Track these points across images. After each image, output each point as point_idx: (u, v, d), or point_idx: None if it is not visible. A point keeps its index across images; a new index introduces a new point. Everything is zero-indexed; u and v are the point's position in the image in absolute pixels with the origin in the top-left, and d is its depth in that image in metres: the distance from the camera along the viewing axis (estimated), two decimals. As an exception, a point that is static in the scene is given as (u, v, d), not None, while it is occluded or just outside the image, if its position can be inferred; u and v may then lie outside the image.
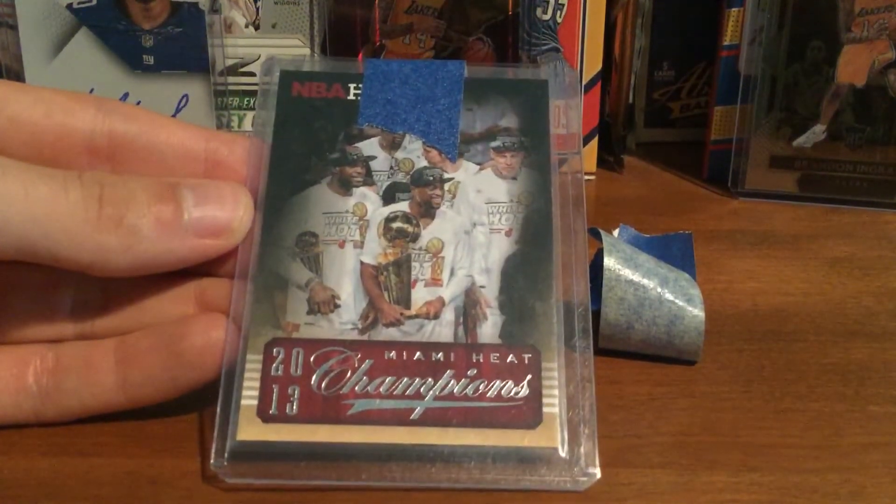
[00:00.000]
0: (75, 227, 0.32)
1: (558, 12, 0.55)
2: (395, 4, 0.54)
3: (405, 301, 0.36)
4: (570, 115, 0.41)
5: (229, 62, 0.54)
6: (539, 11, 0.55)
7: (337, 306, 0.36)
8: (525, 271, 0.36)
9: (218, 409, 0.33)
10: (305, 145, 0.39)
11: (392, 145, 0.39)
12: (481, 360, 0.34)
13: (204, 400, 0.35)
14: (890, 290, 0.46)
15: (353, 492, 0.33)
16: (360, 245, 0.37)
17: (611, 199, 0.57)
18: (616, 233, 0.44)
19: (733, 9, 0.55)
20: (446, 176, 0.39)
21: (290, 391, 0.34)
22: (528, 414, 0.33)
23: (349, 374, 0.34)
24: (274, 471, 0.33)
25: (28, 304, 0.36)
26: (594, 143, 0.59)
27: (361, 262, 0.37)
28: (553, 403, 0.34)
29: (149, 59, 0.53)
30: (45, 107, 0.35)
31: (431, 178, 0.38)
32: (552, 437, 0.33)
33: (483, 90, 0.40)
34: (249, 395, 0.34)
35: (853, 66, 0.54)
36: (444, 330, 0.35)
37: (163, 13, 0.52)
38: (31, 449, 0.35)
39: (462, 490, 0.33)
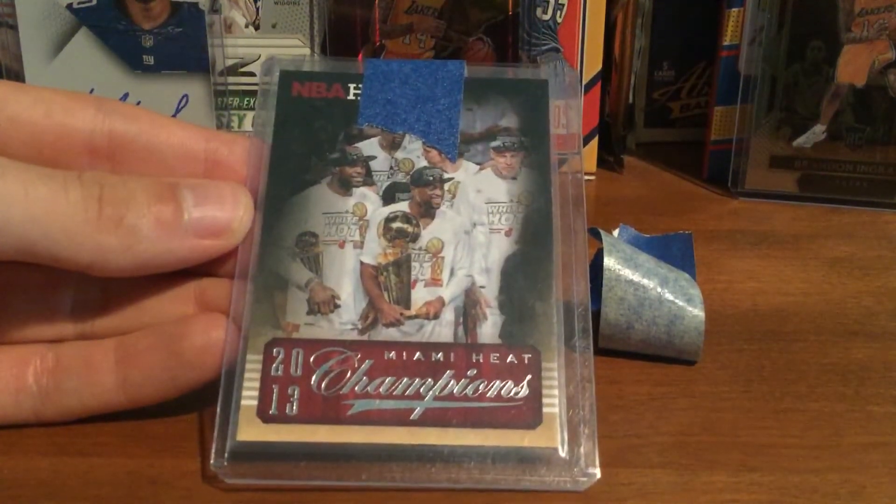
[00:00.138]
0: (75, 227, 0.32)
1: (558, 12, 0.55)
2: (395, 4, 0.54)
3: (405, 301, 0.36)
4: (570, 115, 0.41)
5: (229, 62, 0.54)
6: (539, 11, 0.55)
7: (337, 306, 0.36)
8: (525, 271, 0.36)
9: (218, 410, 0.33)
10: (305, 145, 0.39)
11: (392, 145, 0.39)
12: (481, 361, 0.34)
13: (204, 400, 0.35)
14: (890, 290, 0.46)
15: (353, 492, 0.33)
16: (359, 245, 0.37)
17: (611, 199, 0.57)
18: (616, 233, 0.44)
19: (733, 9, 0.55)
20: (446, 176, 0.39)
21: (289, 391, 0.34)
22: (528, 414, 0.33)
23: (349, 375, 0.34)
24: (274, 471, 0.33)
25: (28, 304, 0.36)
26: (594, 143, 0.59)
27: (361, 263, 0.37)
28: (553, 403, 0.34)
29: (149, 59, 0.53)
30: (45, 107, 0.35)
31: (431, 178, 0.38)
32: (552, 437, 0.33)
33: (483, 90, 0.40)
34: (249, 396, 0.34)
35: (853, 66, 0.54)
36: (443, 330, 0.35)
37: (163, 13, 0.52)
38: (31, 449, 0.35)
39: (462, 490, 0.33)
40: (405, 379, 0.34)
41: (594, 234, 0.41)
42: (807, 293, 0.46)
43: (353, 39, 0.54)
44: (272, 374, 0.34)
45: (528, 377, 0.34)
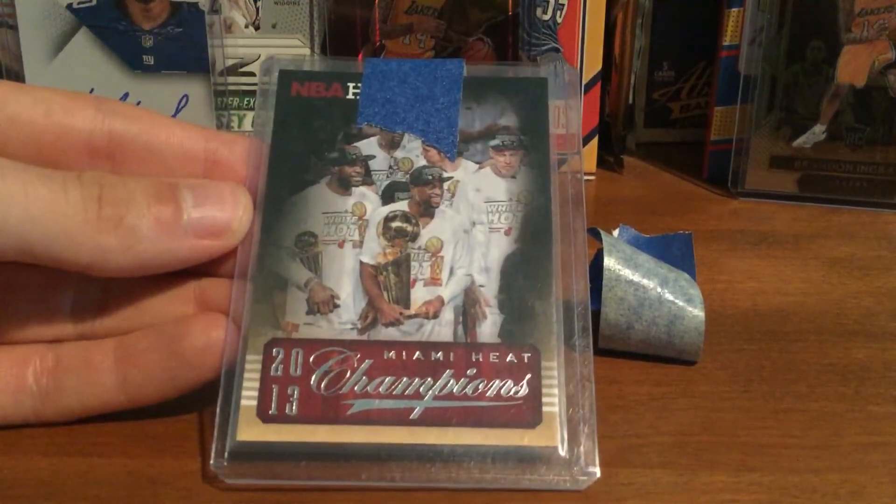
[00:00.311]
0: (75, 227, 0.32)
1: (558, 12, 0.55)
2: (395, 4, 0.54)
3: (404, 301, 0.36)
4: (569, 115, 0.41)
5: (229, 62, 0.54)
6: (539, 11, 0.55)
7: (336, 306, 0.36)
8: (524, 270, 0.36)
9: (218, 410, 0.33)
10: (304, 145, 0.39)
11: (391, 144, 0.39)
12: (481, 360, 0.34)
13: (204, 400, 0.35)
14: (890, 290, 0.46)
15: (353, 492, 0.33)
16: (359, 245, 0.37)
17: (611, 199, 0.57)
18: (616, 233, 0.44)
19: (733, 9, 0.55)
20: (445, 175, 0.39)
21: (289, 391, 0.34)
22: (528, 413, 0.33)
23: (349, 374, 0.34)
24: (274, 471, 0.33)
25: (28, 304, 0.36)
26: (594, 143, 0.59)
27: (361, 262, 0.37)
28: (553, 402, 0.34)
29: (149, 59, 0.53)
30: (45, 107, 0.35)
31: (430, 178, 0.38)
32: (552, 436, 0.33)
33: (482, 89, 0.40)
34: (249, 396, 0.34)
35: (853, 66, 0.54)
36: (443, 329, 0.35)
37: (163, 13, 0.52)
38: (31, 449, 0.35)
39: (462, 490, 0.33)
40: (405, 378, 0.34)
41: (594, 234, 0.41)
42: (807, 293, 0.46)
43: (353, 39, 0.54)
44: (272, 373, 0.34)
45: (528, 376, 0.34)
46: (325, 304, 0.36)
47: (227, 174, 0.37)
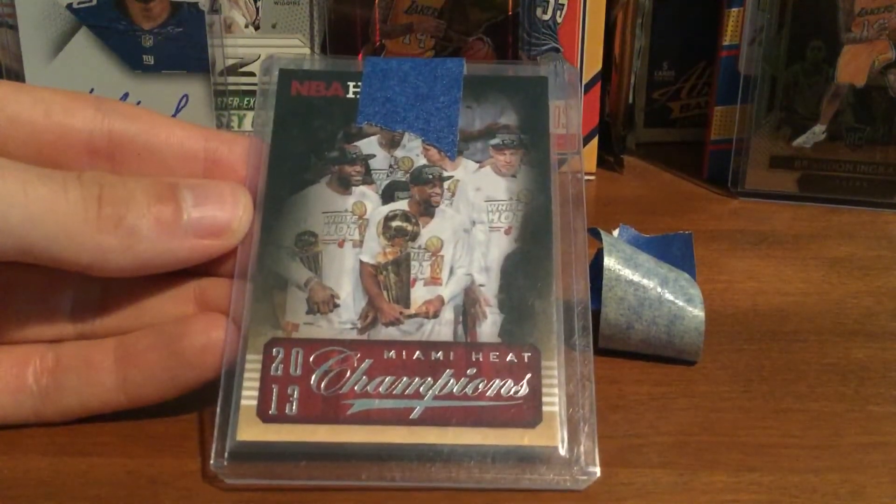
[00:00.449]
0: (75, 227, 0.32)
1: (558, 12, 0.55)
2: (395, 4, 0.54)
3: (404, 300, 0.36)
4: (569, 115, 0.41)
5: (229, 62, 0.54)
6: (539, 11, 0.55)
7: (336, 306, 0.36)
8: (525, 270, 0.36)
9: (218, 409, 0.33)
10: (304, 144, 0.39)
11: (391, 144, 0.39)
12: (481, 359, 0.34)
13: (204, 400, 0.35)
14: (890, 290, 0.46)
15: (353, 492, 0.33)
16: (359, 244, 0.37)
17: (611, 199, 0.57)
18: (616, 233, 0.44)
19: (733, 9, 0.55)
20: (445, 174, 0.39)
21: (289, 391, 0.34)
22: (528, 413, 0.33)
23: (348, 374, 0.34)
24: (274, 471, 0.33)
25: (28, 304, 0.36)
26: (594, 143, 0.59)
27: (361, 262, 0.37)
28: (553, 402, 0.34)
29: (149, 59, 0.53)
30: (45, 107, 0.35)
31: (431, 177, 0.38)
32: (552, 435, 0.33)
33: (482, 88, 0.40)
34: (249, 395, 0.34)
35: (853, 66, 0.54)
36: (443, 329, 0.35)
37: (163, 13, 0.52)
38: (31, 449, 0.35)
39: (462, 489, 0.33)
40: (405, 378, 0.34)
41: (594, 234, 0.41)
42: (807, 293, 0.46)
43: (353, 39, 0.54)
44: (272, 373, 0.34)
45: (528, 376, 0.34)
46: (325, 304, 0.36)
47: (226, 174, 0.37)
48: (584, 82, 0.56)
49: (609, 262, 0.39)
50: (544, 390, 0.34)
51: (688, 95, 0.63)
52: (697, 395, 0.38)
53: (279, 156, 0.38)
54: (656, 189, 0.58)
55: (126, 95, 0.53)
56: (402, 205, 0.38)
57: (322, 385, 0.34)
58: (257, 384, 0.34)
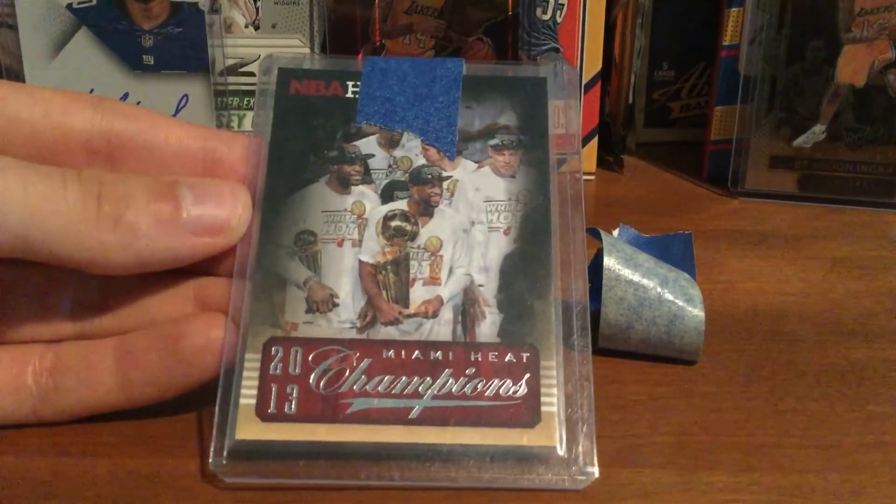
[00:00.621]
0: (74, 224, 0.32)
1: (558, 12, 0.55)
2: (395, 4, 0.54)
3: (403, 300, 0.36)
4: (569, 115, 0.41)
5: (229, 62, 0.54)
6: (539, 11, 0.55)
7: (335, 305, 0.36)
8: (524, 270, 0.36)
9: (217, 409, 0.33)
10: (304, 143, 0.39)
11: (390, 143, 0.39)
12: (480, 359, 0.34)
13: (203, 399, 0.35)
14: (890, 290, 0.46)
15: (352, 491, 0.33)
16: (358, 244, 0.37)
17: (611, 199, 0.57)
18: (616, 233, 0.44)
19: (733, 9, 0.55)
20: (445, 174, 0.39)
21: (288, 390, 0.34)
22: (527, 413, 0.33)
23: (348, 373, 0.34)
24: (273, 470, 0.33)
25: (28, 304, 0.36)
26: (594, 143, 0.59)
27: (360, 261, 0.37)
28: (551, 402, 0.34)
29: (149, 59, 0.53)
30: (44, 107, 0.35)
31: (430, 177, 0.38)
32: (551, 435, 0.33)
33: (481, 88, 0.40)
34: (248, 394, 0.34)
35: (853, 66, 0.54)
36: (442, 329, 0.35)
37: (163, 13, 0.52)
38: (31, 449, 0.35)
39: (461, 489, 0.33)
40: (404, 378, 0.34)
41: (594, 234, 0.41)
42: (806, 293, 0.46)
43: (353, 39, 0.54)
44: (271, 372, 0.34)
45: (527, 376, 0.34)
46: (324, 303, 0.36)
47: (226, 173, 0.37)
48: (583, 82, 0.57)
49: (609, 262, 0.39)
50: (543, 390, 0.34)
51: (688, 95, 0.63)
52: (697, 395, 0.38)
53: (278, 155, 0.38)
54: (656, 189, 0.58)
55: (126, 95, 0.53)
56: (401, 204, 0.38)
57: (321, 384, 0.34)
58: (256, 383, 0.34)
